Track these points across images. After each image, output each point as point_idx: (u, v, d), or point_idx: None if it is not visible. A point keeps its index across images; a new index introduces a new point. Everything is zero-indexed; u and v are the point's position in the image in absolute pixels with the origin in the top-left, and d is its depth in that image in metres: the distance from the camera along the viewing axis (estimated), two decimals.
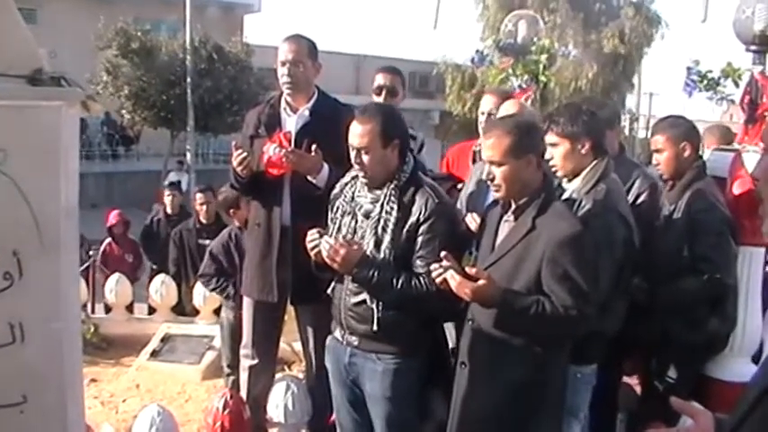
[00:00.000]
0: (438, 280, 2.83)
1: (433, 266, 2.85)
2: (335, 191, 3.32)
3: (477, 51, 5.24)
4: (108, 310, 6.95)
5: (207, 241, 6.79)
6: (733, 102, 3.83)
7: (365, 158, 3.07)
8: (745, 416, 1.30)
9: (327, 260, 3.03)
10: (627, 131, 27.26)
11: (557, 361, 2.94)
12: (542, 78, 4.99)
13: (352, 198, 3.22)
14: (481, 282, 2.73)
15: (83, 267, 7.51)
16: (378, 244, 3.07)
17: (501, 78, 5.22)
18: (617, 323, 3.27)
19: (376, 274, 3.00)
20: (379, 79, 4.36)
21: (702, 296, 3.55)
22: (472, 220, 3.43)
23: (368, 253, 3.06)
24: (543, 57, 4.82)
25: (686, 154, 3.65)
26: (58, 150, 1.66)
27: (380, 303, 3.07)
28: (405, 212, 3.06)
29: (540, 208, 2.84)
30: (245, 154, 3.63)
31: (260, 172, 3.70)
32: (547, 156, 3.24)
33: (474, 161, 4.12)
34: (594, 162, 3.21)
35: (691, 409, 1.61)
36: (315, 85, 3.86)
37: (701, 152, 3.88)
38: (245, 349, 4.03)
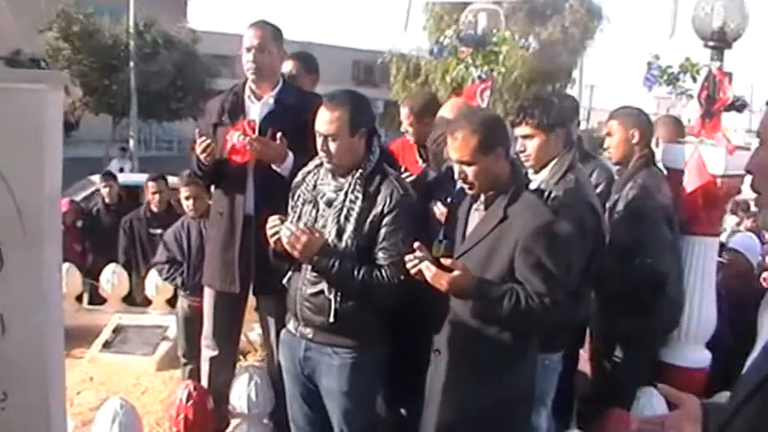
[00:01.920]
0: (413, 271, 2.82)
1: (407, 257, 2.83)
2: (297, 179, 3.27)
3: (437, 42, 5.24)
4: None
5: (158, 230, 6.65)
6: (691, 96, 3.92)
7: (332, 146, 3.03)
8: (744, 402, 1.32)
9: (287, 247, 2.97)
10: None
11: (529, 348, 2.98)
12: (501, 69, 5.03)
13: (315, 186, 3.17)
14: (456, 272, 2.74)
15: None
16: (340, 233, 3.03)
17: (460, 69, 5.24)
18: (585, 311, 3.33)
19: (337, 263, 2.96)
20: (282, 68, 4.33)
21: (637, 282, 3.61)
22: (438, 211, 3.44)
23: (329, 242, 3.02)
24: (504, 48, 4.85)
25: (635, 140, 3.79)
26: (41, 136, 1.58)
27: (339, 294, 3.02)
28: (369, 202, 3.03)
29: (510, 197, 2.87)
30: (208, 141, 3.56)
31: (223, 160, 3.64)
32: (519, 147, 3.27)
33: (421, 156, 4.16)
34: (562, 153, 3.25)
35: (677, 396, 1.64)
36: (280, 73, 3.81)
37: (652, 144, 3.98)
38: (207, 340, 3.96)
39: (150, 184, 6.80)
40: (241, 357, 5.51)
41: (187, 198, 4.91)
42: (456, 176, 2.97)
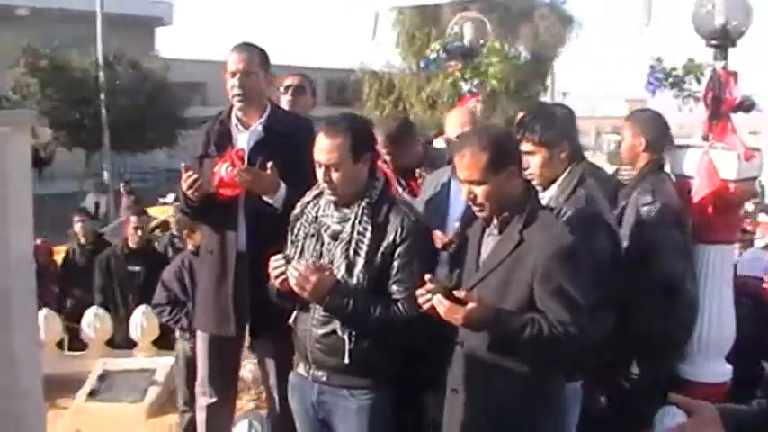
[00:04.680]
0: (425, 306, 2.60)
1: (418, 292, 2.62)
2: (296, 211, 3.05)
3: (425, 58, 5.06)
4: None
5: (137, 268, 6.38)
6: (698, 99, 3.74)
7: (335, 176, 2.81)
8: None
9: (296, 288, 2.76)
10: None
11: (554, 381, 2.76)
12: (493, 82, 4.84)
13: (316, 218, 2.96)
14: (471, 305, 2.53)
15: None
16: (350, 268, 2.82)
17: (450, 82, 5.05)
18: (604, 332, 3.12)
19: (351, 302, 2.75)
20: (288, 80, 4.24)
21: (649, 290, 3.45)
22: (437, 238, 3.23)
23: (339, 278, 2.80)
24: (495, 59, 4.66)
25: (640, 147, 3.65)
26: (4, 189, 1.32)
27: (353, 333, 2.81)
28: (379, 233, 2.81)
29: (526, 219, 2.65)
30: (195, 176, 3.31)
31: (211, 194, 3.40)
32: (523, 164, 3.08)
33: (401, 185, 4.00)
34: (570, 168, 3.06)
35: (689, 403, 1.52)
36: (268, 98, 3.58)
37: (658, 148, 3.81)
38: (201, 387, 3.69)
39: (133, 218, 6.54)
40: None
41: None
42: (464, 198, 2.76)
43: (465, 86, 4.83)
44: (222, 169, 3.31)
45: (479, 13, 4.86)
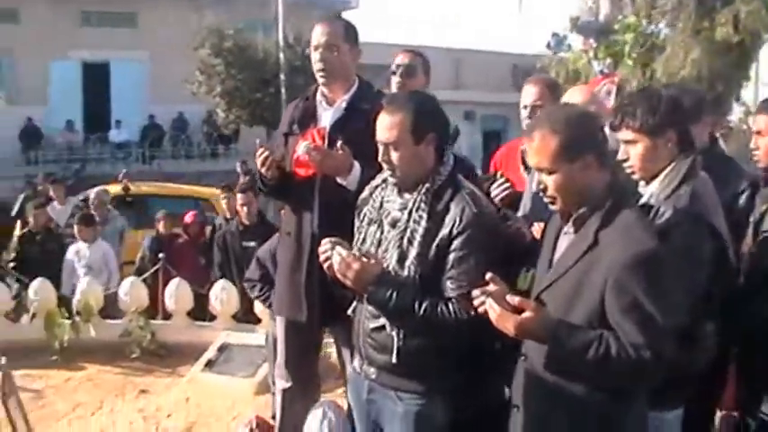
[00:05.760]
0: (480, 309, 2.30)
1: (474, 292, 2.32)
2: (364, 195, 2.86)
3: (554, 35, 4.61)
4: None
5: (251, 243, 6.42)
6: None
7: (394, 156, 2.59)
8: None
9: (338, 275, 2.57)
10: (740, 125, 25.42)
11: (633, 407, 2.33)
12: (628, 62, 4.33)
13: (381, 204, 2.74)
14: (527, 314, 2.19)
15: (152, 270, 7.31)
16: (402, 259, 2.58)
17: (582, 63, 4.58)
18: (706, 358, 2.64)
19: (394, 295, 2.50)
20: (398, 59, 3.86)
21: None
22: (539, 232, 2.89)
23: (390, 269, 2.57)
24: (629, 36, 4.16)
25: None
26: None
27: (401, 330, 2.58)
28: (436, 222, 2.55)
29: (604, 218, 2.26)
30: (266, 153, 3.20)
31: (290, 174, 3.28)
32: (621, 155, 2.66)
33: (524, 163, 3.57)
34: (676, 160, 2.60)
35: None
36: (356, 74, 3.39)
37: None
38: (279, 369, 3.61)
39: (239, 195, 6.71)
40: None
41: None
42: (534, 187, 2.42)
43: (597, 66, 4.36)
44: (301, 148, 3.17)
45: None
